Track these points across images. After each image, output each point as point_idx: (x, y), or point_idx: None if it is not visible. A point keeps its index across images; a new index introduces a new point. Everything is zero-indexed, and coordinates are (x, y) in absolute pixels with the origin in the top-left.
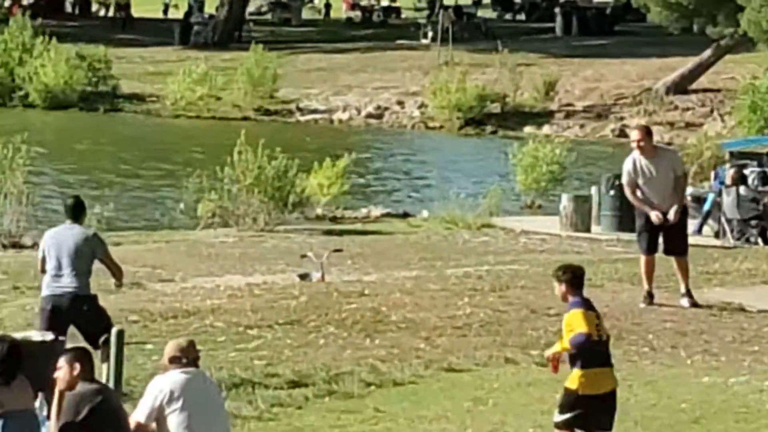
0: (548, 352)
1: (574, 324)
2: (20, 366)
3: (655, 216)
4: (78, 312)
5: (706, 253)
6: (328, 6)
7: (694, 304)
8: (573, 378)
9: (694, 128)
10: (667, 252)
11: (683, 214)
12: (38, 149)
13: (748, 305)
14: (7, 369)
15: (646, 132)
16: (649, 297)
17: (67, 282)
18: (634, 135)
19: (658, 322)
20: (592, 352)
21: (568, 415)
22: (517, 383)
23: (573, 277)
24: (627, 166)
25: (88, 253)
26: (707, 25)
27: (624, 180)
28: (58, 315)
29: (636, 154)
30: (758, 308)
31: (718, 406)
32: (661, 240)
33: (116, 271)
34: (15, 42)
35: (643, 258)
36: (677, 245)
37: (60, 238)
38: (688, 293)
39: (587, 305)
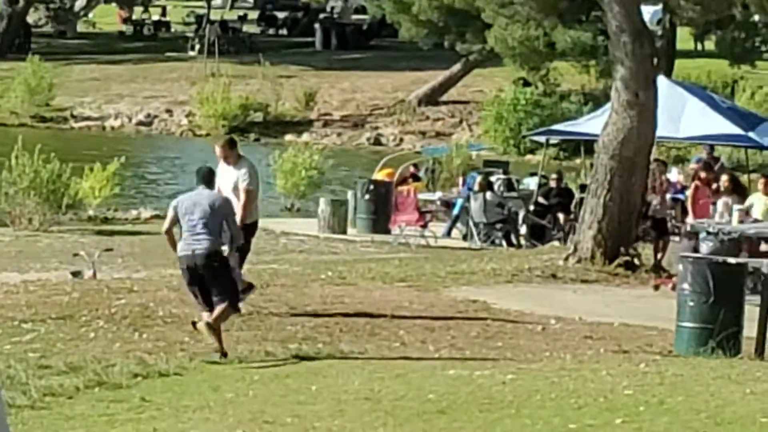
0: None
1: None
2: None
3: None
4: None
5: (454, 254)
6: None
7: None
8: None
9: (444, 137)
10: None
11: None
12: None
13: (492, 303)
14: None
15: (229, 145)
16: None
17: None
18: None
19: (409, 319)
20: None
21: None
22: (276, 375)
23: None
24: None
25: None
26: (456, 42)
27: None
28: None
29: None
30: (502, 306)
31: (463, 398)
32: None
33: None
34: None
35: None
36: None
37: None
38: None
39: None
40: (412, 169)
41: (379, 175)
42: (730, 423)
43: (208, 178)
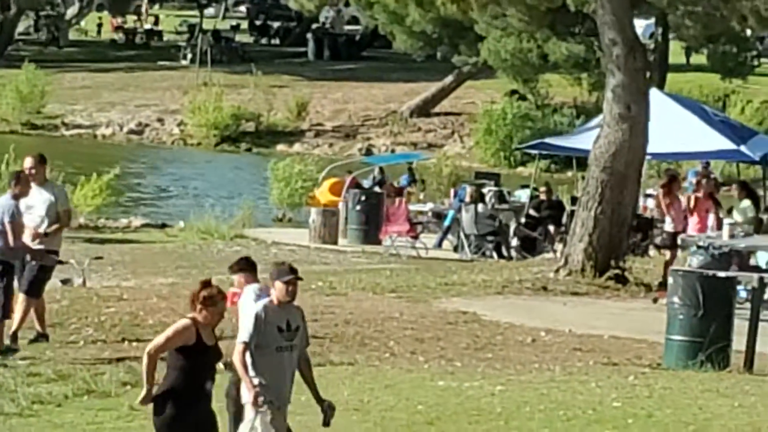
0: None
1: None
2: None
3: None
4: None
5: (445, 266)
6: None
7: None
8: None
9: (436, 148)
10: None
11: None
12: None
13: (482, 314)
14: None
15: (39, 161)
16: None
17: None
18: (27, 163)
19: (399, 330)
20: None
21: None
22: None
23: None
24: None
25: None
26: (449, 53)
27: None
28: None
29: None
30: (492, 318)
31: (452, 409)
32: None
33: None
34: None
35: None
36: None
37: None
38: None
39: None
40: (349, 179)
41: (325, 184)
42: None
43: None
